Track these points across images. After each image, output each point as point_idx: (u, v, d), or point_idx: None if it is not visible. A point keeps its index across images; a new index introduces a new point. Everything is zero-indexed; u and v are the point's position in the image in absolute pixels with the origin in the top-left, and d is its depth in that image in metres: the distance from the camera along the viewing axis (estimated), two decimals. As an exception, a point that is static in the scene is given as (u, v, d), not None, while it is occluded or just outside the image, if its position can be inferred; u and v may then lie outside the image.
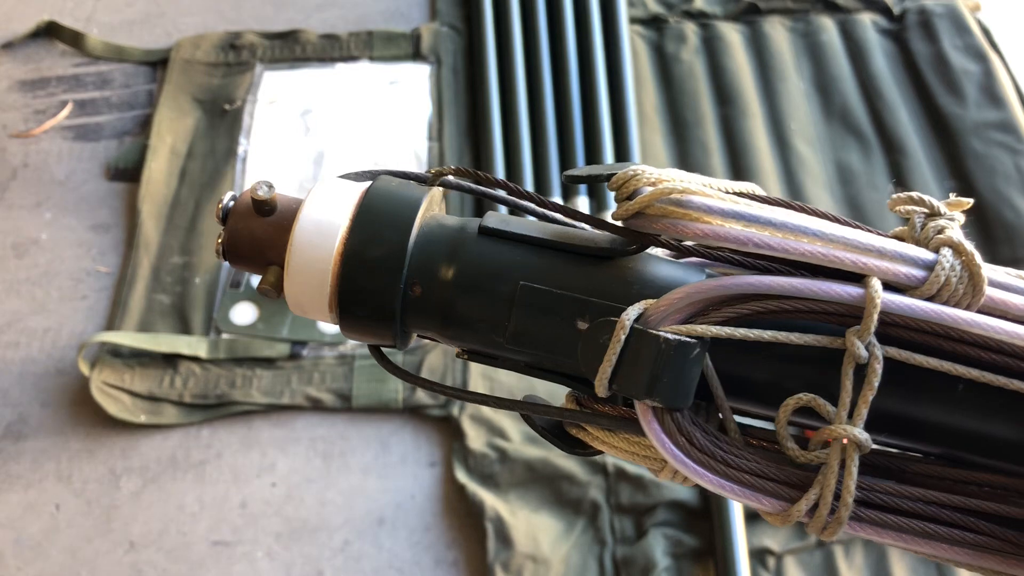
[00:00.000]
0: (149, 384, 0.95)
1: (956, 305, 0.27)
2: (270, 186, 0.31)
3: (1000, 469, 0.29)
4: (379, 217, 0.31)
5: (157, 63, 1.25)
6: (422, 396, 0.94)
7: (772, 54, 1.24)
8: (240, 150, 1.15)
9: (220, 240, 0.32)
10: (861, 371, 0.27)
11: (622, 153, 1.13)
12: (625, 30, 1.22)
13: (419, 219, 0.31)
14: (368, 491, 0.90)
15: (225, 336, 0.98)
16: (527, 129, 1.15)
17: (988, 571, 0.28)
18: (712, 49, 1.24)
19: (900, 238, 0.29)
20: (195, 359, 0.96)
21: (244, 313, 1.00)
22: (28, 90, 1.23)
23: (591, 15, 1.22)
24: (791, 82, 1.21)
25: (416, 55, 1.25)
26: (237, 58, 1.25)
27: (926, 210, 0.29)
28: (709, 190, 0.28)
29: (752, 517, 0.86)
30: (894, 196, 0.30)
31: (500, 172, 1.12)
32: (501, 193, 0.32)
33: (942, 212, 0.29)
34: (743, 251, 0.28)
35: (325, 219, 0.30)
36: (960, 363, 0.27)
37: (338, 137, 1.17)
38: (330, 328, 0.98)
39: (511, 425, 0.92)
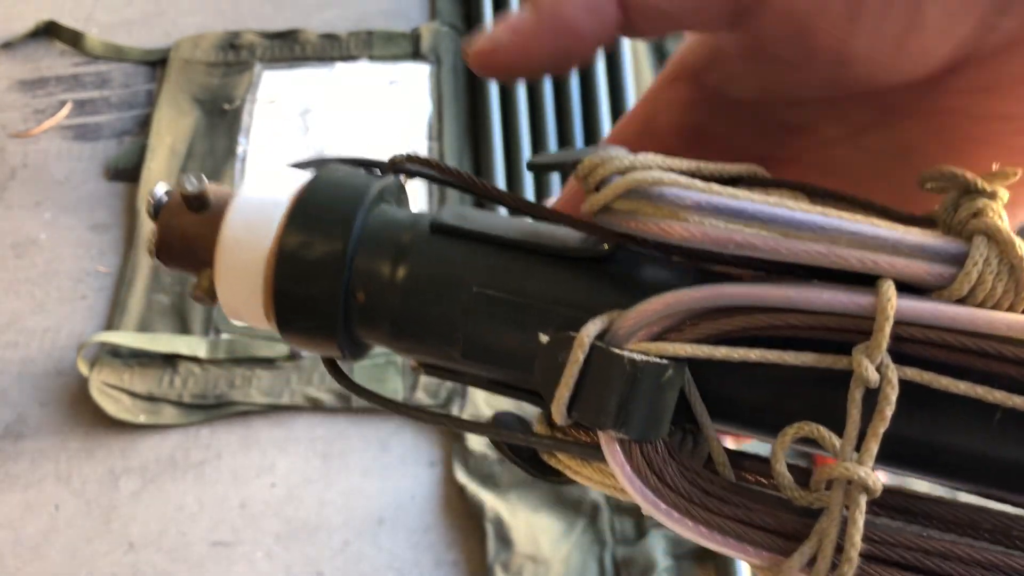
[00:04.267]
0: (148, 384, 0.95)
1: (996, 307, 0.22)
2: (200, 178, 0.27)
3: None
4: (318, 212, 0.27)
5: (156, 63, 1.25)
6: (422, 396, 0.94)
7: (772, 54, 1.24)
8: (239, 150, 1.14)
9: (151, 238, 0.28)
10: (873, 396, 0.23)
11: (622, 153, 1.13)
12: (625, 30, 1.22)
13: (365, 213, 0.27)
14: (368, 491, 0.90)
15: (224, 336, 0.98)
16: (527, 129, 1.15)
17: None
18: (712, 49, 1.24)
19: (933, 221, 0.24)
20: (194, 359, 0.96)
21: (243, 313, 1.00)
22: (27, 90, 1.23)
23: (591, 15, 1.22)
24: (791, 82, 1.21)
25: (416, 55, 1.24)
26: (236, 58, 1.24)
27: (959, 187, 0.24)
28: (688, 179, 0.23)
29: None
30: (924, 172, 0.25)
31: (500, 172, 1.12)
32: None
33: (979, 188, 0.24)
34: (730, 253, 0.24)
35: (257, 216, 0.27)
36: (997, 387, 0.22)
37: (338, 137, 1.17)
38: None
39: (511, 425, 0.92)
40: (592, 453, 0.24)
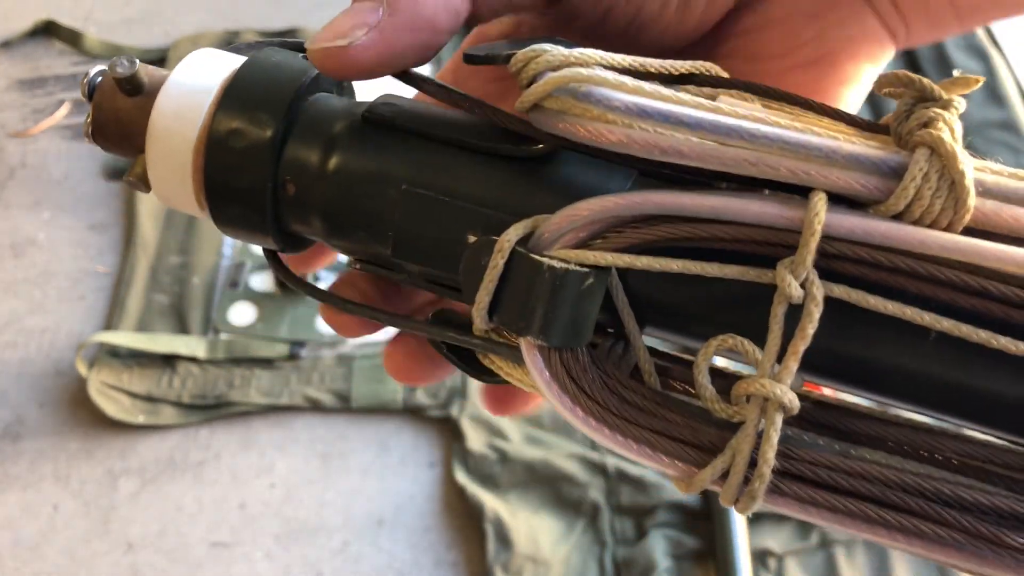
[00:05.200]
0: (147, 384, 0.94)
1: (933, 226, 0.21)
2: (132, 61, 0.26)
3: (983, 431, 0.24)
4: (249, 98, 0.25)
5: (155, 62, 1.25)
6: (422, 397, 0.94)
7: (773, 53, 1.23)
8: (239, 149, 1.14)
9: (87, 120, 0.28)
10: (798, 312, 0.22)
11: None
12: (625, 29, 1.22)
13: (297, 101, 0.26)
14: (367, 492, 0.90)
15: (223, 336, 0.98)
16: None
17: (957, 567, 0.22)
18: (712, 48, 1.24)
19: (886, 129, 0.23)
20: (193, 359, 0.96)
21: (242, 313, 1.00)
22: (26, 89, 1.23)
23: (591, 14, 1.22)
24: (792, 81, 1.20)
25: (415, 54, 1.24)
26: (236, 57, 1.24)
27: (914, 93, 0.22)
28: (618, 79, 0.22)
29: (754, 518, 0.85)
30: (881, 75, 0.23)
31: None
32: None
33: (936, 96, 0.22)
34: (658, 159, 0.23)
35: (187, 101, 0.26)
36: (929, 309, 0.21)
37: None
38: (329, 328, 0.98)
39: (511, 426, 0.92)
40: (519, 356, 0.24)
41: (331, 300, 0.28)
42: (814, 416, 0.24)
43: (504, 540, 0.85)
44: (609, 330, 0.26)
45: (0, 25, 1.29)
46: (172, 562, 0.86)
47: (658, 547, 0.84)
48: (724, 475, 0.22)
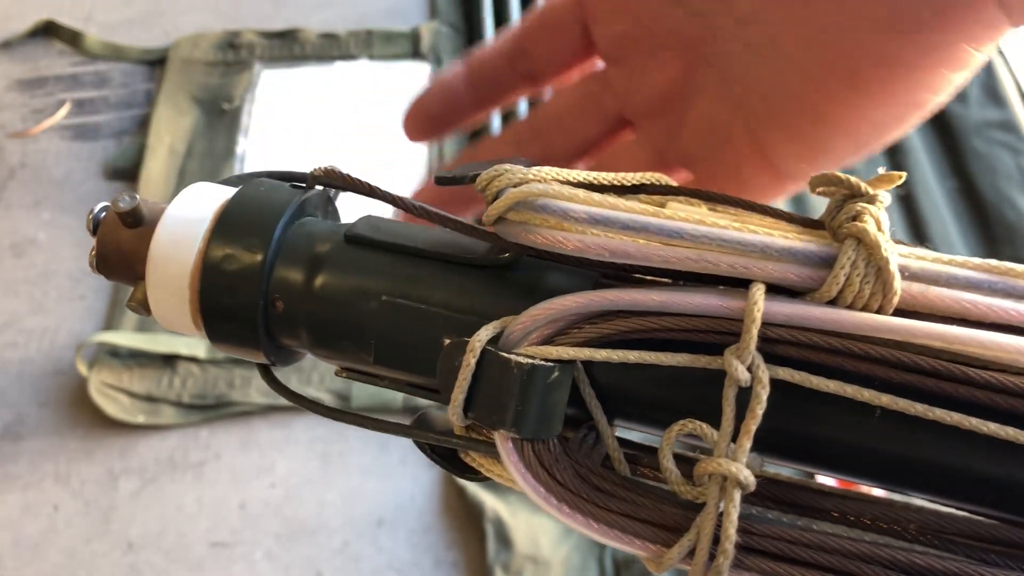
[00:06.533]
0: (147, 384, 0.94)
1: (865, 309, 0.23)
2: (132, 196, 0.29)
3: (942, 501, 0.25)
4: (239, 227, 0.28)
5: (155, 62, 1.25)
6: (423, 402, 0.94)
7: (773, 53, 1.23)
8: (239, 150, 1.14)
9: (92, 252, 0.31)
10: (748, 395, 0.24)
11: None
12: (625, 29, 1.22)
13: (283, 226, 0.28)
14: (367, 492, 0.90)
15: (224, 336, 0.98)
16: (527, 128, 1.15)
17: None
18: (712, 48, 1.24)
19: (821, 225, 0.25)
20: (193, 359, 0.96)
21: (243, 313, 1.00)
22: (26, 89, 1.23)
23: (591, 14, 1.22)
24: (792, 81, 1.20)
25: (416, 54, 1.24)
26: (236, 57, 1.24)
27: (845, 190, 0.25)
28: (571, 191, 0.25)
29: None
30: (813, 177, 0.25)
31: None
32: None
33: (863, 192, 0.24)
34: (610, 261, 0.25)
35: (183, 231, 0.29)
36: (870, 386, 0.23)
37: (337, 136, 1.16)
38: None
39: (511, 426, 0.92)
40: (495, 452, 0.26)
41: (315, 408, 0.30)
42: (774, 494, 0.26)
43: (504, 540, 0.85)
44: (580, 424, 0.28)
45: (0, 25, 1.29)
46: (172, 562, 0.86)
47: (658, 547, 0.84)
48: (691, 553, 0.24)
